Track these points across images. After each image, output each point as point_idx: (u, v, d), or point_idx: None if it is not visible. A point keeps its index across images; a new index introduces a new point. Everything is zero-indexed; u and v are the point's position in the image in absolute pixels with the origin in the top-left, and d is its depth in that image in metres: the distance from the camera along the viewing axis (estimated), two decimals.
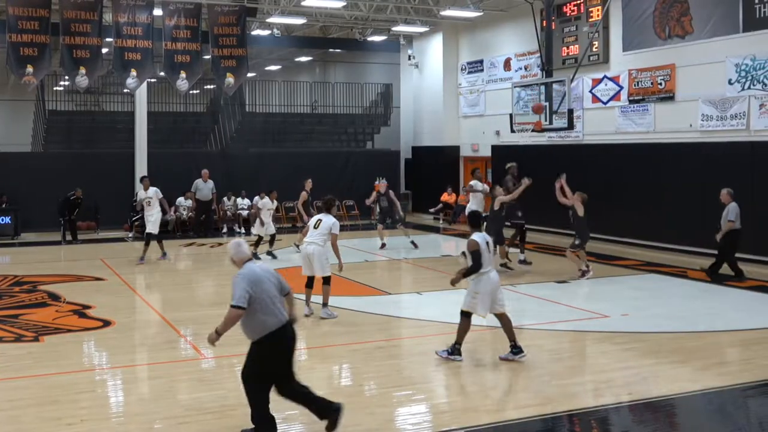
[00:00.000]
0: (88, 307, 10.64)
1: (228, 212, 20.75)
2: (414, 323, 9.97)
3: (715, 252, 12.62)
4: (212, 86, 25.23)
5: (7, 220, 18.51)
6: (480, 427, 6.03)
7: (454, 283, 7.75)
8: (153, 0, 19.01)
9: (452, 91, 23.40)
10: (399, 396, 7.04)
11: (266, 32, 22.92)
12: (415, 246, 16.21)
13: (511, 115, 16.79)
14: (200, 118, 25.92)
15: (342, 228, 17.81)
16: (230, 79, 20.09)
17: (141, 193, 14.91)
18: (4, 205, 18.96)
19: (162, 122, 23.20)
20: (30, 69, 18.04)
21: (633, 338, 8.91)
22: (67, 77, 20.14)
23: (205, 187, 19.40)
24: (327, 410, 5.53)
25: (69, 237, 18.15)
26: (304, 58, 30.46)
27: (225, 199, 20.73)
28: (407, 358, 8.34)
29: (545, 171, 17.37)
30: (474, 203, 14.59)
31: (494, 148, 21.09)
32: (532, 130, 16.01)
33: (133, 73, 19.01)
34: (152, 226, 14.51)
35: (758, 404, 7.03)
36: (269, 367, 5.43)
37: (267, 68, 30.97)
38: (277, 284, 5.50)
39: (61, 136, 23.17)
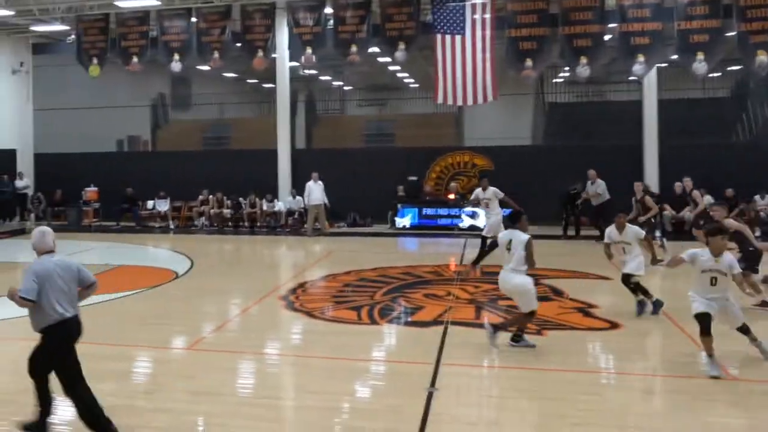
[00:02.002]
0: (593, 306, 10.91)
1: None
2: None
3: None
4: (738, 67, 23.49)
5: (510, 212, 20.29)
6: None
7: None
8: None
9: None
10: None
11: None
12: None
13: None
14: (722, 104, 24.44)
15: None
16: (763, 57, 18.30)
17: (478, 192, 14.78)
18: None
19: (674, 111, 22.54)
20: (529, 62, 19.49)
21: None
22: (566, 68, 21.10)
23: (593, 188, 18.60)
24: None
25: (571, 232, 18.98)
26: None
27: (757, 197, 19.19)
28: None
29: None
30: None
31: None
32: None
33: (641, 58, 18.92)
34: (486, 229, 14.49)
35: None
36: (53, 359, 6.15)
37: None
38: (72, 279, 6.14)
39: (560, 129, 24.49)
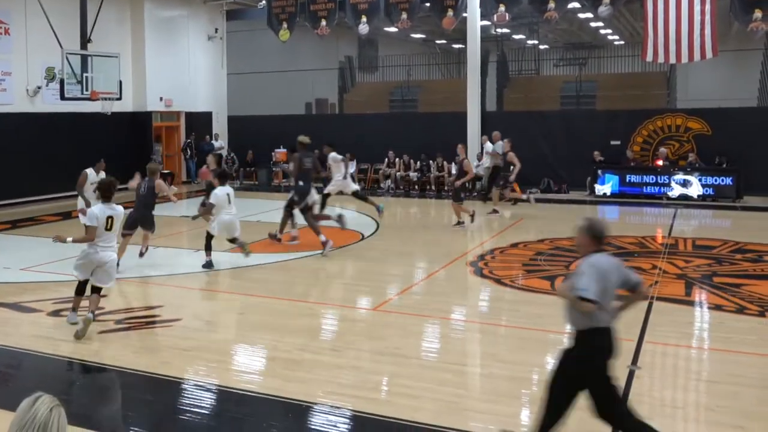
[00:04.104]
0: None
1: None
2: None
3: None
4: None
5: (729, 181, 19.07)
6: None
7: None
8: None
9: None
10: None
11: None
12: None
13: None
14: None
15: None
16: None
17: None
18: (725, 165, 19.63)
19: None
20: (758, 14, 18.01)
21: None
22: None
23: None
24: None
25: None
26: None
27: None
28: None
29: None
30: None
31: None
32: None
33: None
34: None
35: None
36: None
37: None
38: None
39: None
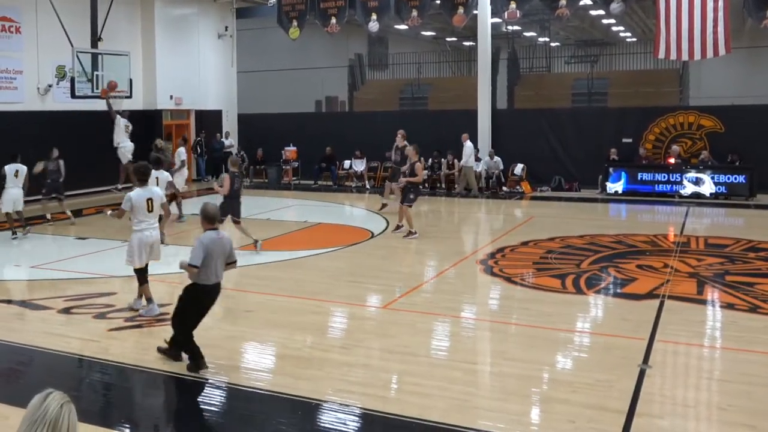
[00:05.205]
0: None
1: None
2: None
3: None
4: None
5: (742, 179, 18.98)
6: None
7: None
8: None
9: None
10: None
11: None
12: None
13: None
14: None
15: None
16: None
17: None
18: (738, 163, 19.53)
19: None
20: None
21: None
22: None
23: None
24: None
25: None
26: None
27: None
28: None
29: None
30: None
31: None
32: None
33: None
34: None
35: None
36: None
37: None
38: None
39: None
